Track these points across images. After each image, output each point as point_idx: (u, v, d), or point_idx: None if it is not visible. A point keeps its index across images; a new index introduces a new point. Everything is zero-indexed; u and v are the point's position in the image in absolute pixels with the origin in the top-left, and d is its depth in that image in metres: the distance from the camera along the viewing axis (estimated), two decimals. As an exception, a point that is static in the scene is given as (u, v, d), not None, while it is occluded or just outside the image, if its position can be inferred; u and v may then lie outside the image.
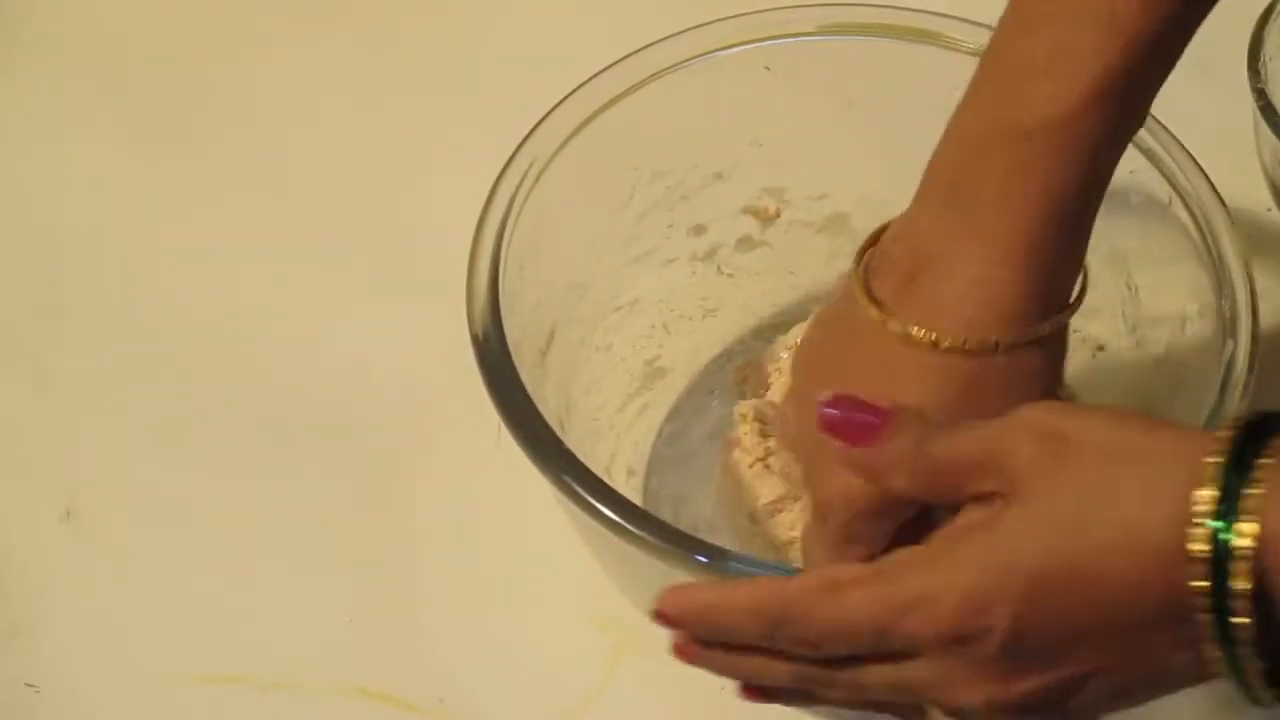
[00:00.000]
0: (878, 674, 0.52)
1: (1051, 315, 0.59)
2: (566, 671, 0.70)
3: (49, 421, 0.78)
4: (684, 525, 0.68)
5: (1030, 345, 0.58)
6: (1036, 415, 0.51)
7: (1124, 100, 0.56)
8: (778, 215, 0.75)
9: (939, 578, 0.50)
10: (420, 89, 0.90)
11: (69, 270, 0.83)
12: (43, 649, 0.71)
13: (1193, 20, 0.56)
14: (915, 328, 0.58)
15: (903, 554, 0.52)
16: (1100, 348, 0.71)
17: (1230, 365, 0.62)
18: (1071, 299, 0.60)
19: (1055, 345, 0.60)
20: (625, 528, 0.58)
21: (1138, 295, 0.69)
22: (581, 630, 0.71)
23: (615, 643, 0.71)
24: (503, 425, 0.61)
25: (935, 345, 0.58)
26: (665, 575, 0.58)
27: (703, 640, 0.54)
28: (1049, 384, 0.60)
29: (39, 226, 0.85)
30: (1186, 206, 0.65)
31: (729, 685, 0.70)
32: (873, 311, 0.59)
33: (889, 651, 0.51)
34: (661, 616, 0.53)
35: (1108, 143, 0.57)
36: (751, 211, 0.75)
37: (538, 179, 0.66)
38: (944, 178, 0.59)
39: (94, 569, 0.73)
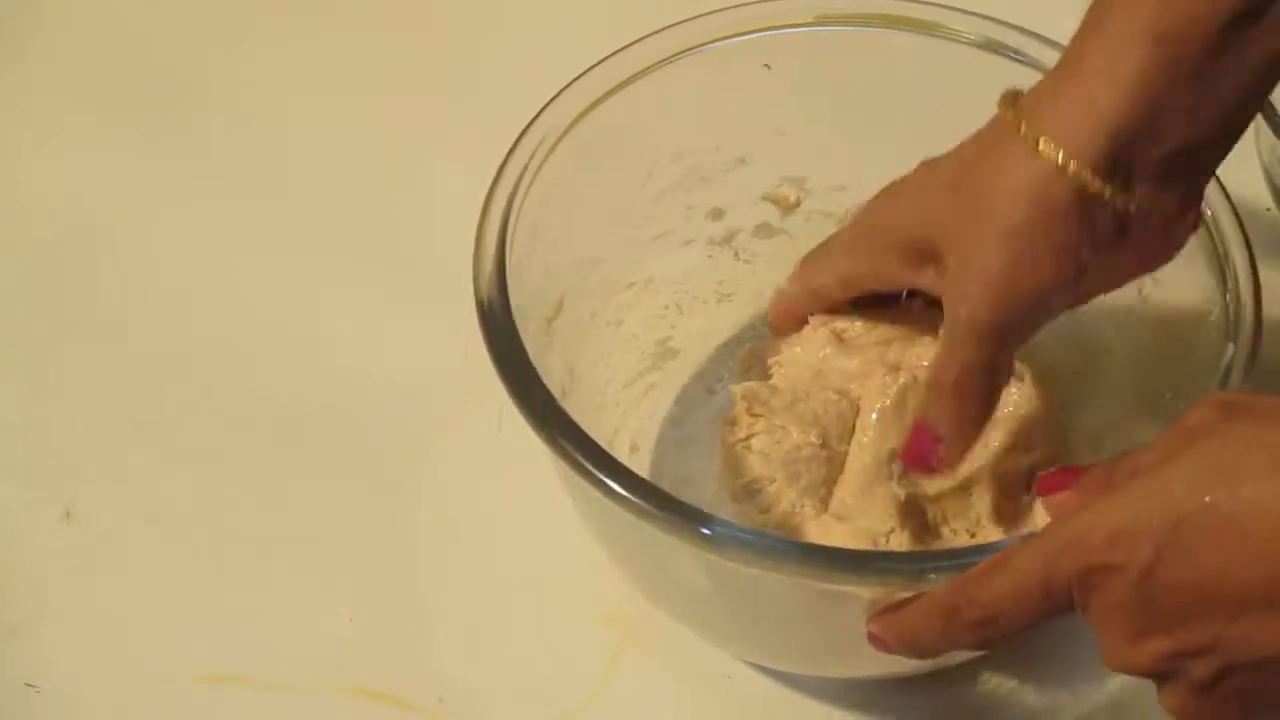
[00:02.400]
0: None
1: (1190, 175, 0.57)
2: (567, 670, 0.70)
3: (49, 421, 0.78)
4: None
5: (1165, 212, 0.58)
6: (1219, 394, 0.52)
7: None
8: (798, 204, 0.75)
9: (1094, 517, 0.50)
10: (423, 83, 0.90)
11: (69, 270, 0.83)
12: (43, 649, 0.71)
13: None
14: (1043, 139, 0.56)
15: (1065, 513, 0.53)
16: (1106, 350, 0.71)
17: (1231, 365, 0.62)
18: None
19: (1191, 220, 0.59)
20: (618, 491, 0.57)
21: (1144, 296, 0.68)
22: (582, 629, 0.71)
23: (616, 642, 0.71)
24: (504, 409, 0.60)
25: (1058, 164, 0.56)
26: (664, 547, 0.58)
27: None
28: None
29: (39, 226, 0.85)
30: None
31: (729, 681, 0.70)
32: (1009, 116, 0.57)
33: (1056, 607, 0.51)
34: (877, 641, 0.57)
35: None
36: (772, 199, 0.75)
37: (553, 149, 0.66)
38: None
39: (94, 569, 0.73)
